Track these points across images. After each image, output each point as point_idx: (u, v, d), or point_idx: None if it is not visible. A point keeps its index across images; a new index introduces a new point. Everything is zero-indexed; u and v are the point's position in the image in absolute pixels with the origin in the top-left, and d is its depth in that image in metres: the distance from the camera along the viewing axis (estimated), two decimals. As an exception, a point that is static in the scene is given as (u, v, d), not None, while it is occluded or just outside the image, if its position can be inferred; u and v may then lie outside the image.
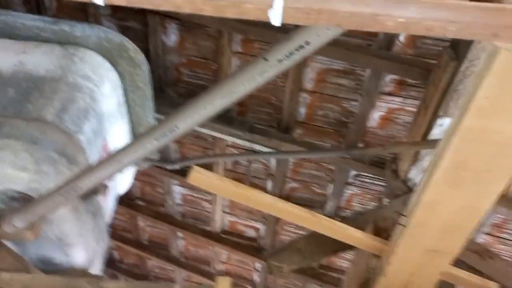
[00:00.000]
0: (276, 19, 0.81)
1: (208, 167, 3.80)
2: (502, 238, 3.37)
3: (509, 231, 3.32)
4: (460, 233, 1.64)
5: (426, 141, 2.36)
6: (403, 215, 1.72)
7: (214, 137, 3.52)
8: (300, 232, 3.98)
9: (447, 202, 1.52)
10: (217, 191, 1.87)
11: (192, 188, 4.07)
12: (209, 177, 1.79)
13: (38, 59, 2.38)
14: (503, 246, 3.41)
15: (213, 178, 1.80)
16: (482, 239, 3.39)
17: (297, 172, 3.61)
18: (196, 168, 1.78)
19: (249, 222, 4.29)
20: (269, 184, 3.76)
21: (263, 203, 1.86)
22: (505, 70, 1.13)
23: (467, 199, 1.49)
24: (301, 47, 1.21)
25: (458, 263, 2.19)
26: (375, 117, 3.02)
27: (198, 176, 1.78)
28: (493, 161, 1.34)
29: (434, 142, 1.84)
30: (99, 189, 2.19)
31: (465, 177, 1.41)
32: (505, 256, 3.42)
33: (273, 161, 3.57)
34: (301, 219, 1.93)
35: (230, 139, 3.38)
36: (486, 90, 1.18)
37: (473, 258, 2.41)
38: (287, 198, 3.80)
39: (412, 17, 0.78)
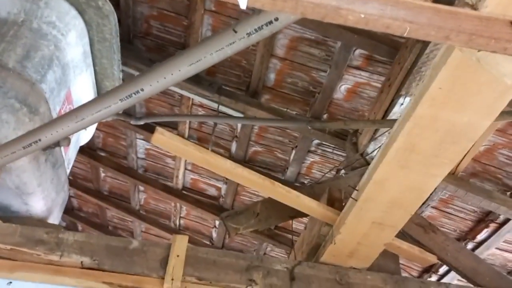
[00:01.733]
0: (242, 2, 0.83)
1: (174, 124, 3.81)
2: (447, 212, 3.58)
3: (454, 206, 3.53)
4: (405, 210, 1.72)
5: (384, 121, 2.45)
6: (355, 189, 1.81)
7: (181, 95, 3.51)
8: (260, 194, 4.09)
9: (395, 181, 1.60)
10: (180, 153, 1.91)
11: (156, 143, 4.08)
12: (173, 139, 1.81)
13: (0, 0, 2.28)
14: (447, 220, 3.63)
15: (177, 141, 1.82)
16: (429, 212, 3.60)
17: (261, 136, 3.67)
18: (160, 130, 1.79)
19: (211, 181, 4.37)
20: (233, 146, 3.82)
21: (224, 169, 1.91)
22: (458, 66, 1.19)
23: (414, 180, 1.57)
24: (270, 22, 1.24)
25: (403, 235, 2.36)
26: (341, 89, 3.09)
27: (162, 138, 1.80)
28: (441, 147, 1.42)
29: (391, 122, 1.92)
30: (61, 141, 2.18)
31: (414, 160, 1.49)
32: (448, 230, 3.66)
33: (239, 124, 3.61)
34: (259, 186, 1.98)
35: (197, 98, 3.39)
36: (440, 82, 1.25)
37: (417, 231, 2.53)
38: (250, 160, 3.88)
39: (372, 14, 0.82)
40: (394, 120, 1.55)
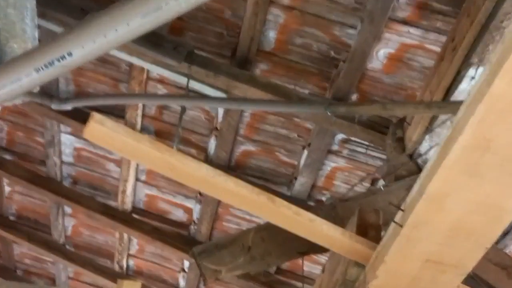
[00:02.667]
0: None
1: (119, 110, 3.82)
2: None
3: None
4: (476, 242, 1.75)
5: (445, 103, 2.47)
6: (400, 209, 1.83)
7: (130, 65, 3.52)
8: (253, 220, 4.08)
9: (461, 196, 1.62)
10: (128, 154, 1.92)
11: (91, 140, 4.10)
12: (117, 132, 1.81)
13: None
14: None
15: (123, 135, 1.82)
16: None
17: (255, 128, 3.66)
18: (97, 116, 1.80)
19: (176, 198, 4.38)
20: (211, 144, 3.82)
21: (197, 178, 1.91)
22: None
23: (489, 193, 1.60)
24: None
25: (475, 280, 2.41)
26: (380, 55, 3.11)
27: (100, 129, 1.79)
28: None
29: (456, 106, 1.93)
30: None
31: (489, 163, 1.51)
32: None
33: (220, 110, 3.62)
34: (252, 204, 1.99)
35: (155, 69, 3.40)
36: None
37: (497, 274, 2.56)
38: (238, 166, 3.88)
39: None
40: (460, 103, 1.55)
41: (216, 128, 3.72)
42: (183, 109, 3.39)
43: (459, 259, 1.83)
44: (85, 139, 4.04)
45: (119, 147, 1.88)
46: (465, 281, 1.97)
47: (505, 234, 3.31)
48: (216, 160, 3.83)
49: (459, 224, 1.71)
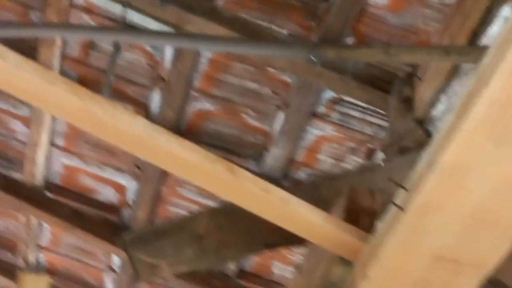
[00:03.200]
0: None
1: (30, 49, 3.75)
2: None
3: None
4: (504, 231, 1.77)
5: (468, 49, 2.48)
6: (403, 188, 1.84)
7: (46, -13, 3.49)
8: (207, 202, 4.10)
9: (485, 172, 1.63)
10: (36, 99, 1.90)
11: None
12: (22, 68, 1.80)
13: None
14: None
15: (30, 72, 1.81)
16: None
17: (214, 80, 3.68)
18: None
19: (105, 172, 4.37)
20: (154, 99, 3.84)
21: (128, 134, 1.91)
22: None
23: None
24: None
25: (496, 285, 2.43)
26: (384, -14, 3.13)
27: (-2, 64, 1.78)
28: None
29: (483, 52, 1.94)
30: None
31: None
32: None
33: (168, 53, 3.61)
34: (204, 175, 1.99)
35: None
36: None
37: None
38: (189, 131, 3.89)
39: None
40: (486, 48, 1.56)
41: (162, 78, 3.72)
42: (117, 49, 3.36)
43: (479, 256, 1.84)
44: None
45: (24, 90, 1.86)
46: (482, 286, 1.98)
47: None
48: (160, 121, 3.79)
49: (481, 209, 1.71)
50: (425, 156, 1.76)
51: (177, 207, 4.36)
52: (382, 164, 2.83)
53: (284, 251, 3.97)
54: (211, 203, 3.96)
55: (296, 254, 4.03)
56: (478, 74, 1.55)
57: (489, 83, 1.47)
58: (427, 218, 1.77)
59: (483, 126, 1.54)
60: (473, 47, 2.52)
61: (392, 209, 1.88)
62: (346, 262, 2.10)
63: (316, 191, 2.69)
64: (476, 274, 1.90)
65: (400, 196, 1.85)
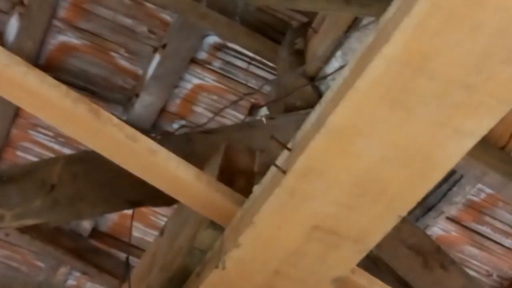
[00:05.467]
0: None
1: None
2: (479, 233, 3.74)
3: (496, 221, 3.70)
4: (389, 203, 1.77)
5: (371, 0, 2.41)
6: (286, 147, 1.82)
7: None
8: (63, 149, 4.03)
9: (376, 136, 1.64)
10: None
11: None
12: None
13: None
14: (476, 250, 3.80)
15: None
16: (441, 227, 3.71)
17: (82, 10, 3.57)
18: None
19: None
20: (11, 27, 3.68)
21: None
22: None
23: (416, 136, 1.62)
24: None
25: (376, 265, 2.42)
26: None
27: None
28: (484, 67, 1.46)
29: (386, 4, 1.92)
30: None
31: (421, 90, 1.53)
32: (477, 268, 3.85)
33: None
34: (63, 115, 1.93)
35: None
36: None
37: (409, 261, 2.61)
38: (50, 66, 3.79)
39: None
40: (391, 2, 1.54)
41: (22, 2, 3.57)
42: None
43: (361, 230, 1.84)
44: None
45: None
46: (362, 263, 1.99)
47: (428, 209, 3.42)
48: (17, 51, 3.56)
49: (368, 177, 1.71)
50: (313, 115, 1.74)
51: (27, 153, 4.26)
52: (265, 121, 2.80)
53: (147, 212, 4.00)
54: (68, 152, 3.90)
55: (160, 217, 4.09)
56: (379, 29, 1.53)
57: (390, 39, 1.44)
58: (308, 183, 1.76)
59: (379, 86, 1.52)
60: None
61: (272, 171, 1.86)
62: (215, 227, 2.09)
63: (189, 145, 2.66)
64: (356, 249, 1.91)
65: (282, 158, 1.83)
